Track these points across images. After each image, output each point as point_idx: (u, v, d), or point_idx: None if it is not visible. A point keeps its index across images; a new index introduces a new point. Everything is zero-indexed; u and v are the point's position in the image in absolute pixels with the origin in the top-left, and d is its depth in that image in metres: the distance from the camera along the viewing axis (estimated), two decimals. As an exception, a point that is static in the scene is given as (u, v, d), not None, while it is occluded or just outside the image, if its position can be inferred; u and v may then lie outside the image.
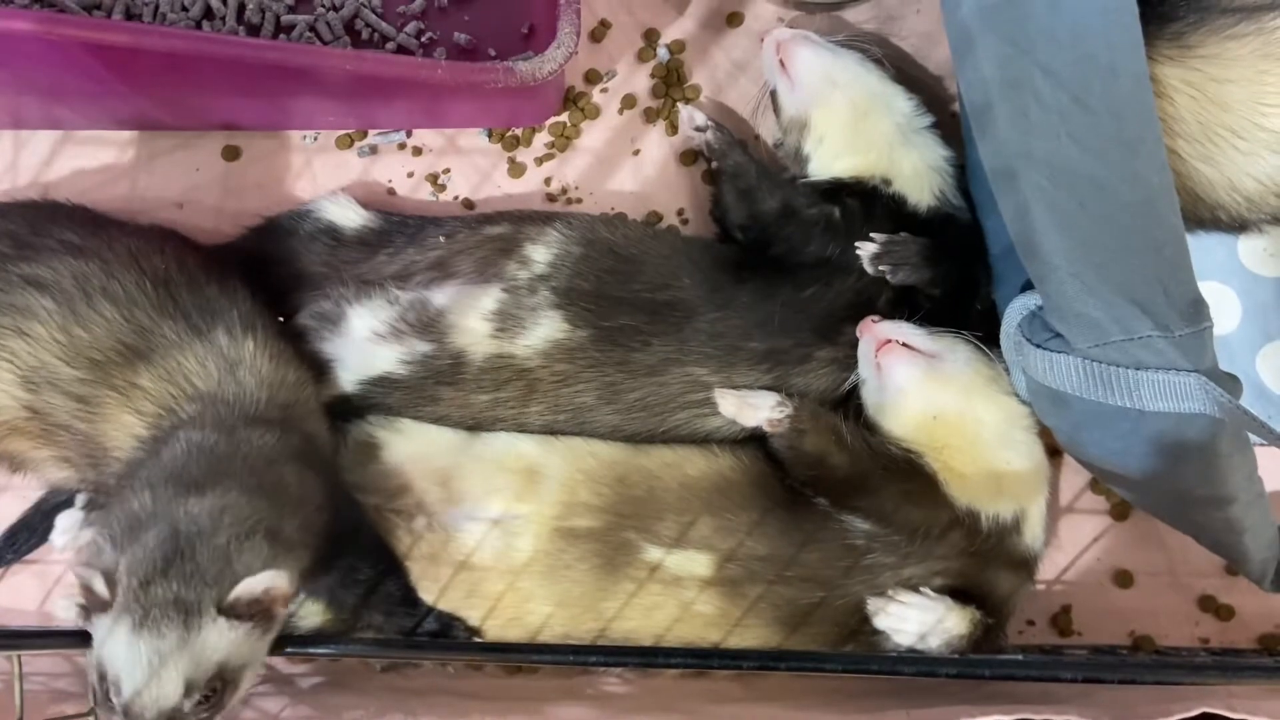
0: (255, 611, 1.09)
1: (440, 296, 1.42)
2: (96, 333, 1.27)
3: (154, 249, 1.37)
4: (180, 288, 1.32)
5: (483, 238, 1.47)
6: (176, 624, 1.04)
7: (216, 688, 1.06)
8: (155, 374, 1.27)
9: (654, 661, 1.34)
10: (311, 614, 1.37)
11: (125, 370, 1.26)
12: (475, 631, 1.38)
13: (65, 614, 1.46)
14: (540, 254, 1.44)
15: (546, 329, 1.40)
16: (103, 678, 1.06)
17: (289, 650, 1.26)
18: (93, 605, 1.08)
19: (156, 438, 1.24)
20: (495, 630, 1.38)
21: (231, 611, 1.07)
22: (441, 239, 1.47)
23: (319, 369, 1.42)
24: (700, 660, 1.33)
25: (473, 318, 1.40)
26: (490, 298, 1.41)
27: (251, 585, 1.07)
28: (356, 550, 1.31)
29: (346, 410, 1.42)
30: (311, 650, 1.30)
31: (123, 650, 1.04)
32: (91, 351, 1.26)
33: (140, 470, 1.20)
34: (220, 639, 1.06)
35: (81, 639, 1.16)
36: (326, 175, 1.64)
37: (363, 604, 1.33)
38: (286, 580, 1.10)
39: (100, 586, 1.07)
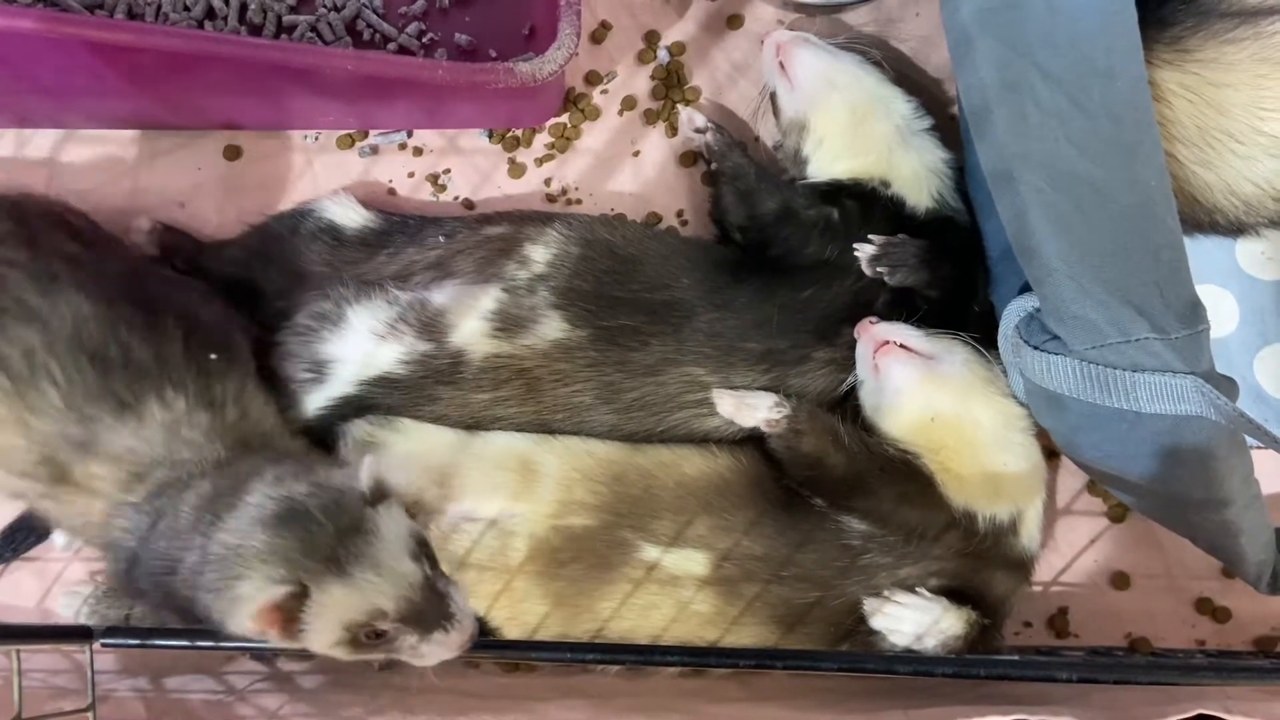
0: (383, 491, 1.13)
1: (440, 296, 1.42)
2: (47, 425, 1.21)
3: (95, 305, 1.26)
4: (113, 363, 1.23)
5: (482, 238, 1.47)
6: (361, 539, 1.07)
7: (426, 552, 1.12)
8: (104, 462, 1.22)
9: (651, 660, 1.35)
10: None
11: (77, 463, 1.22)
12: (488, 630, 1.37)
13: (65, 610, 1.47)
14: (539, 254, 1.44)
15: (545, 329, 1.40)
16: (378, 635, 1.09)
17: (284, 648, 1.26)
18: (287, 605, 1.07)
19: (135, 504, 1.21)
20: (493, 628, 1.38)
21: (377, 499, 1.12)
22: (441, 239, 1.48)
23: (318, 369, 1.42)
24: (697, 659, 1.33)
25: (472, 317, 1.40)
26: (489, 297, 1.41)
27: (368, 472, 1.12)
28: None
29: (346, 410, 1.43)
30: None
31: (352, 594, 1.06)
32: (45, 446, 1.22)
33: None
34: (391, 519, 1.11)
35: (80, 635, 1.17)
36: (327, 175, 1.64)
37: None
38: (375, 459, 1.14)
39: (284, 590, 1.06)
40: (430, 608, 1.07)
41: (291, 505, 1.09)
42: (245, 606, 1.06)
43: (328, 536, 1.06)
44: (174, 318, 1.29)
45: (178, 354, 1.27)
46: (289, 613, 1.06)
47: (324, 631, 1.07)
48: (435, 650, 1.08)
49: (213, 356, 1.28)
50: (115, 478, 1.22)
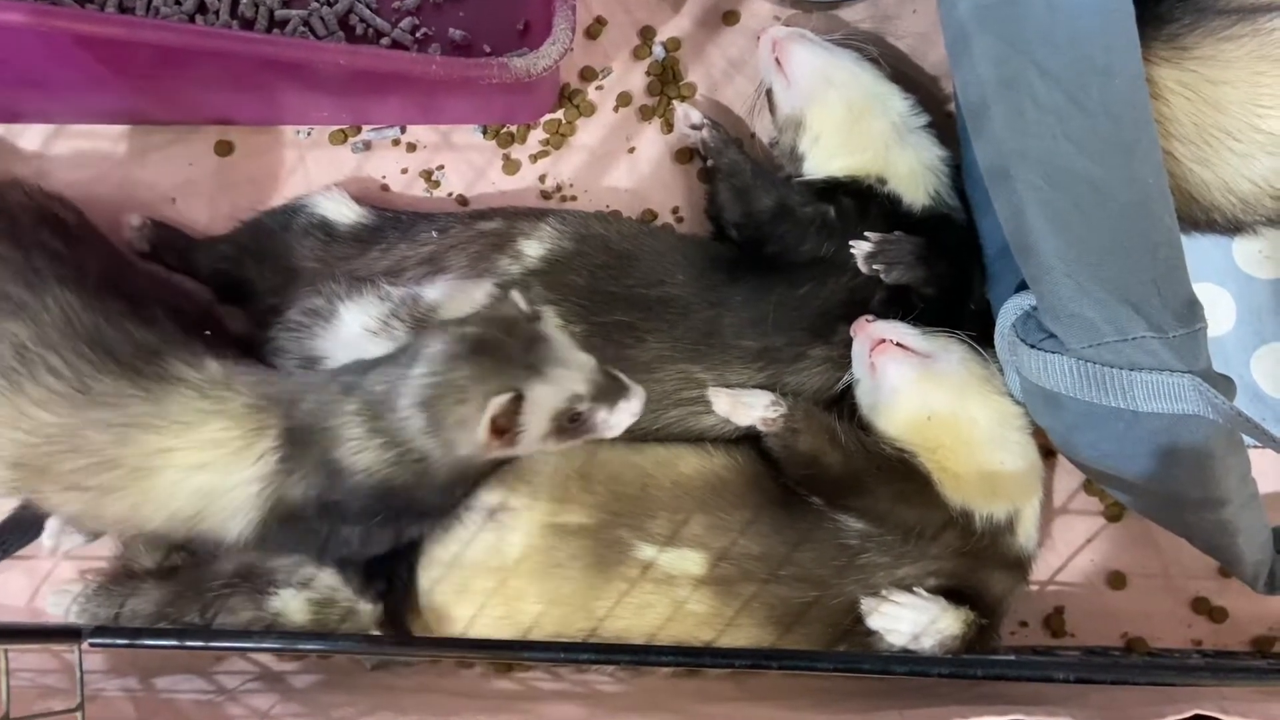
0: (536, 312, 1.28)
1: (432, 292, 1.42)
2: (60, 416, 1.24)
3: (82, 297, 1.29)
4: (117, 345, 1.27)
5: (476, 232, 1.47)
6: (544, 347, 1.24)
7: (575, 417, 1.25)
8: (190, 431, 1.25)
9: (646, 660, 1.34)
10: (299, 610, 1.37)
11: (149, 438, 1.25)
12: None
13: (54, 609, 1.46)
14: (533, 249, 1.44)
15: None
16: (576, 417, 1.25)
17: (278, 647, 1.25)
18: (510, 410, 1.20)
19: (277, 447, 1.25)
20: (486, 628, 1.38)
21: (535, 316, 1.27)
22: (434, 234, 1.47)
23: (310, 365, 1.41)
24: (692, 659, 1.33)
25: (465, 312, 1.39)
26: (483, 292, 1.40)
27: (517, 296, 1.27)
28: None
29: None
30: (301, 647, 1.30)
31: (553, 391, 1.22)
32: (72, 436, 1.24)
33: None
34: (549, 325, 1.28)
35: (69, 635, 1.16)
36: (320, 171, 1.63)
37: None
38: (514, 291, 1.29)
39: (507, 396, 1.19)
40: (610, 383, 1.25)
41: (479, 337, 1.23)
42: (473, 422, 1.19)
43: (519, 350, 1.22)
44: (161, 308, 1.34)
45: (177, 331, 1.32)
46: (509, 418, 1.20)
47: (537, 425, 1.22)
48: (622, 417, 1.26)
49: (206, 333, 1.34)
50: (237, 435, 1.25)
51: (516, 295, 1.27)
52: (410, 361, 1.22)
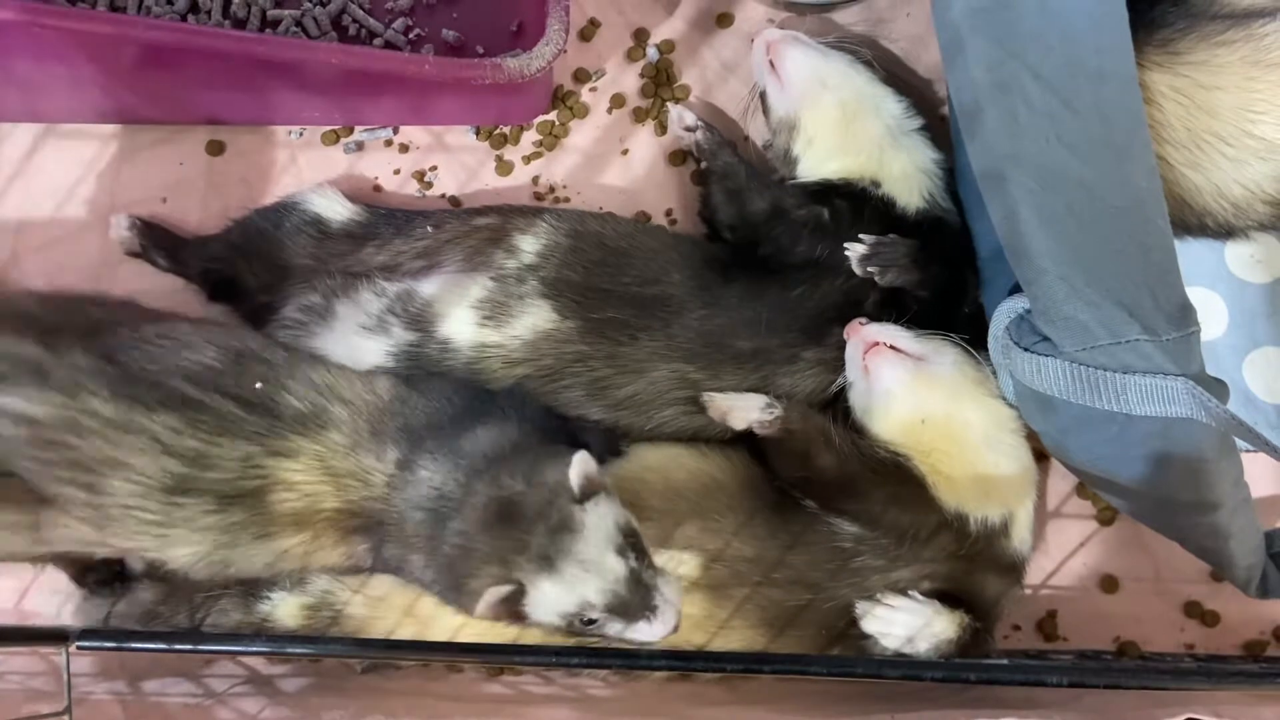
0: (596, 486, 1.20)
1: (428, 287, 1.41)
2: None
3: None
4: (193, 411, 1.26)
5: (471, 228, 1.46)
6: (568, 538, 1.16)
7: (631, 541, 1.19)
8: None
9: (637, 663, 1.33)
10: (290, 614, 1.36)
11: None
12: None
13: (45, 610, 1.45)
14: (529, 244, 1.43)
15: (534, 319, 1.39)
16: (591, 622, 1.18)
17: (268, 650, 1.25)
18: (515, 608, 1.18)
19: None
20: (478, 633, 1.37)
21: (586, 496, 1.19)
22: (429, 229, 1.46)
23: None
24: (684, 663, 1.32)
25: (460, 306, 1.39)
26: (478, 286, 1.40)
27: (576, 470, 1.18)
28: None
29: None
30: (291, 650, 1.29)
31: (563, 591, 1.16)
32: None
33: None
34: (598, 516, 1.18)
35: (56, 637, 1.15)
36: (312, 171, 1.62)
37: None
38: (586, 454, 1.20)
39: (505, 590, 1.16)
40: (635, 598, 1.16)
41: (510, 505, 1.18)
42: (475, 601, 1.16)
43: (540, 536, 1.15)
44: (180, 380, 1.28)
45: (222, 401, 1.27)
46: (512, 604, 1.16)
47: (543, 618, 1.18)
48: (638, 638, 1.18)
49: (258, 385, 1.29)
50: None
51: (578, 464, 1.18)
52: (457, 503, 1.20)
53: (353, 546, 1.28)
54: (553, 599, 1.16)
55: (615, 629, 1.17)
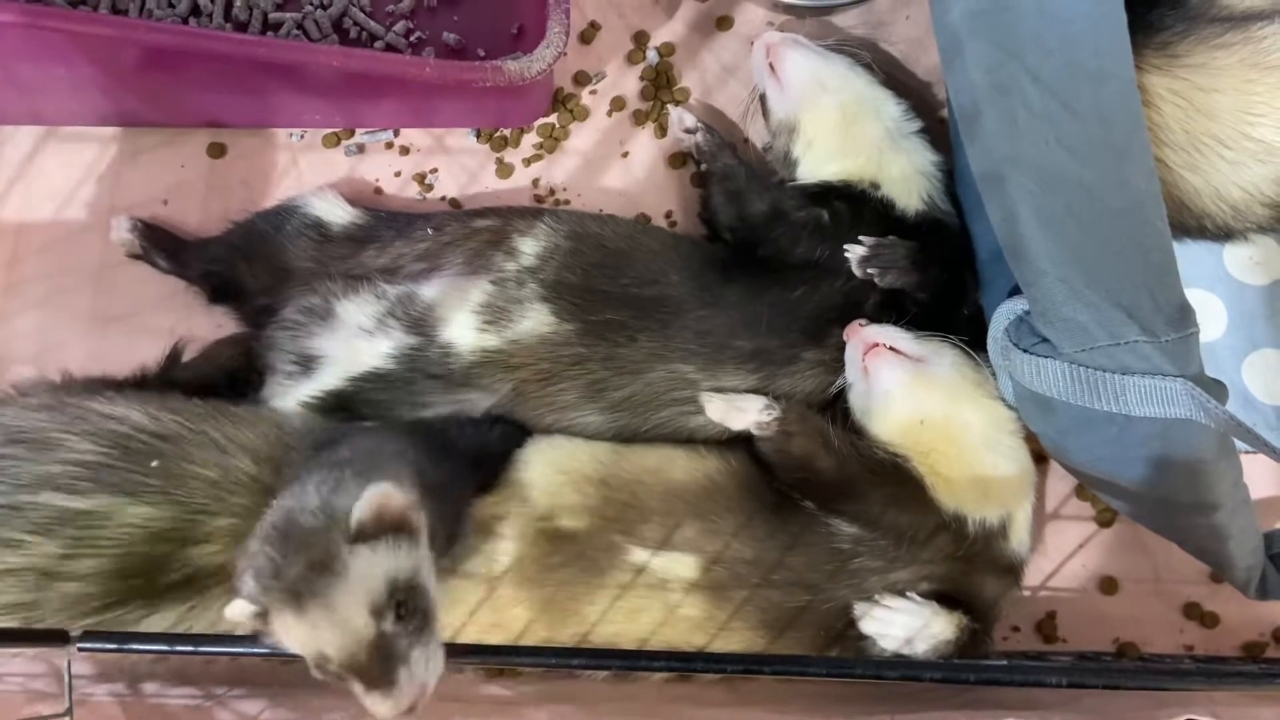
0: (387, 527, 1.06)
1: (429, 290, 1.41)
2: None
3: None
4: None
5: (471, 230, 1.46)
6: (324, 579, 1.02)
7: (402, 601, 1.04)
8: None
9: (638, 665, 1.33)
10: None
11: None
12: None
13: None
14: (529, 246, 1.43)
15: (533, 321, 1.39)
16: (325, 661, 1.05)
17: (267, 652, 1.24)
18: (265, 629, 1.07)
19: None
20: (477, 634, 1.37)
21: (363, 537, 1.05)
22: (430, 232, 1.46)
23: (306, 363, 1.40)
24: (684, 664, 1.32)
25: (461, 310, 1.39)
26: (478, 289, 1.40)
27: (363, 505, 1.05)
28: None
29: (332, 404, 1.41)
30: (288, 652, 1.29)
31: (304, 632, 1.03)
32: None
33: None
34: (370, 564, 1.04)
35: (57, 639, 1.15)
36: (313, 173, 1.62)
37: None
38: (391, 487, 1.07)
39: (250, 610, 1.06)
40: (375, 667, 1.01)
41: (287, 524, 1.06)
42: (231, 607, 1.06)
43: (297, 567, 1.02)
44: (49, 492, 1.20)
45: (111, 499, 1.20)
46: (258, 625, 1.05)
47: (290, 647, 1.05)
48: (372, 706, 1.02)
49: (154, 464, 1.20)
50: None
51: (369, 498, 1.04)
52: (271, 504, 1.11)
53: None
54: (294, 635, 1.03)
55: (354, 687, 1.03)
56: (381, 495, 1.05)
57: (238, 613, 1.04)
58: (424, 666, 1.03)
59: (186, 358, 1.49)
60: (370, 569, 1.03)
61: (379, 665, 1.01)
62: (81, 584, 1.18)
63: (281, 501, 1.11)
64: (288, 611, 1.02)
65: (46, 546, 1.17)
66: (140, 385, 1.42)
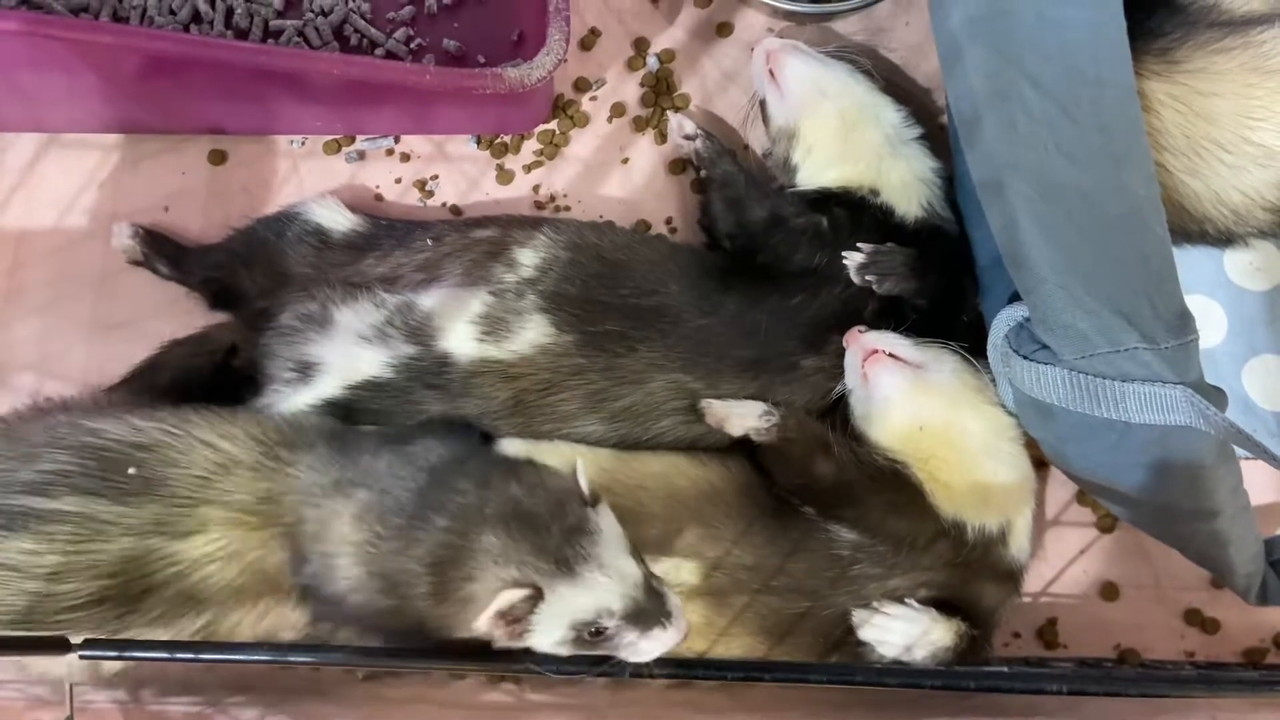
0: (596, 495, 1.16)
1: (428, 300, 1.41)
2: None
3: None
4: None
5: (470, 241, 1.46)
6: (587, 540, 1.10)
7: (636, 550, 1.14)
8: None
9: (638, 670, 1.33)
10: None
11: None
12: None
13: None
14: (528, 257, 1.43)
15: (532, 333, 1.39)
16: (599, 633, 1.11)
17: (269, 659, 1.24)
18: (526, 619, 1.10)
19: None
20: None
21: (594, 500, 1.16)
22: (429, 242, 1.47)
23: (303, 370, 1.40)
24: (684, 670, 1.31)
25: (460, 321, 1.39)
26: (477, 300, 1.40)
27: (581, 476, 1.16)
28: None
29: (330, 413, 1.41)
30: (292, 659, 1.29)
31: (582, 595, 1.09)
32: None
33: None
34: (608, 519, 1.14)
35: (58, 646, 1.15)
36: (313, 180, 1.63)
37: None
38: (582, 464, 1.18)
39: (521, 594, 1.08)
40: (651, 605, 1.10)
41: (518, 507, 1.10)
42: (476, 608, 1.07)
43: (557, 536, 1.08)
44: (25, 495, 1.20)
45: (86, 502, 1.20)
46: (519, 614, 1.07)
47: (550, 631, 1.09)
48: (652, 646, 1.10)
49: (131, 471, 1.21)
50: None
51: (581, 468, 1.13)
52: (434, 500, 1.10)
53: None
54: (571, 604, 1.08)
55: (628, 638, 1.09)
56: (585, 469, 1.16)
57: (509, 600, 1.06)
58: (677, 599, 1.14)
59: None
60: (611, 523, 1.14)
61: (655, 601, 1.10)
62: (58, 581, 1.19)
63: (465, 499, 1.12)
64: (562, 581, 1.07)
65: (19, 543, 1.18)
66: (136, 391, 1.43)
